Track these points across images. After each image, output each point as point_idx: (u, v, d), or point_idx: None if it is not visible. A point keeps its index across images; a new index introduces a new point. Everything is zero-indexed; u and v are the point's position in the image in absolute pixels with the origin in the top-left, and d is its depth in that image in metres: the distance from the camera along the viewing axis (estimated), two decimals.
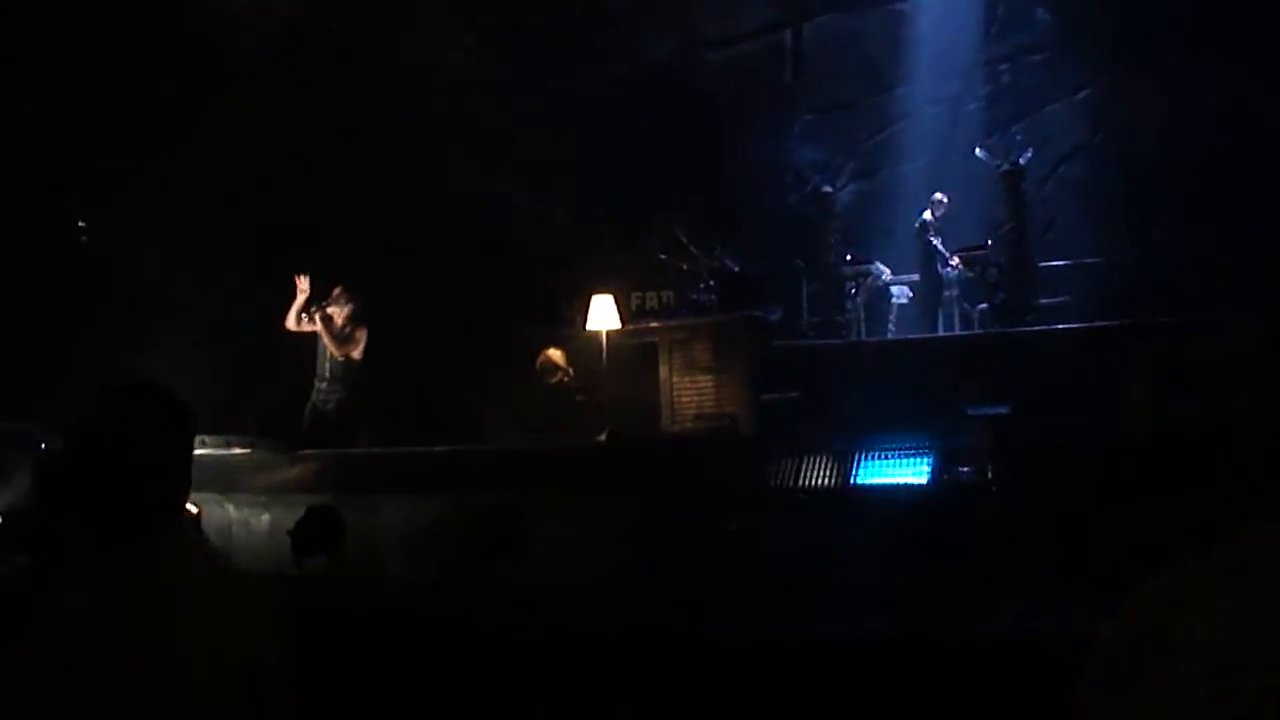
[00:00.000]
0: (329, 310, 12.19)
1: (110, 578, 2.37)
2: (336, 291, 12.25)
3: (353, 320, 12.26)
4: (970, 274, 14.45)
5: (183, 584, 2.34)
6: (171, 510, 2.52)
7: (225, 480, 10.15)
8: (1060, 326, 13.06)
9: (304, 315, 12.18)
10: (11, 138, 14.33)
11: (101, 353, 13.44)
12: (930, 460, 7.81)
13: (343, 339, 12.16)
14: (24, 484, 10.71)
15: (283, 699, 2.35)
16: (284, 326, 12.28)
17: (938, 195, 14.97)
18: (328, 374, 12.27)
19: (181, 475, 2.55)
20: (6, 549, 8.98)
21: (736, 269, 14.79)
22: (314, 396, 12.32)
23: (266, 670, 2.30)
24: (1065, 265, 14.92)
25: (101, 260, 15.09)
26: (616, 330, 12.73)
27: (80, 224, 15.37)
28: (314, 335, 12.24)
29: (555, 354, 12.37)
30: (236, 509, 9.96)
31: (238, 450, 11.01)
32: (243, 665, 2.25)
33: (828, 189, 16.66)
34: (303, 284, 12.21)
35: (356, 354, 12.24)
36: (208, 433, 10.92)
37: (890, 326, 15.07)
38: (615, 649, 5.19)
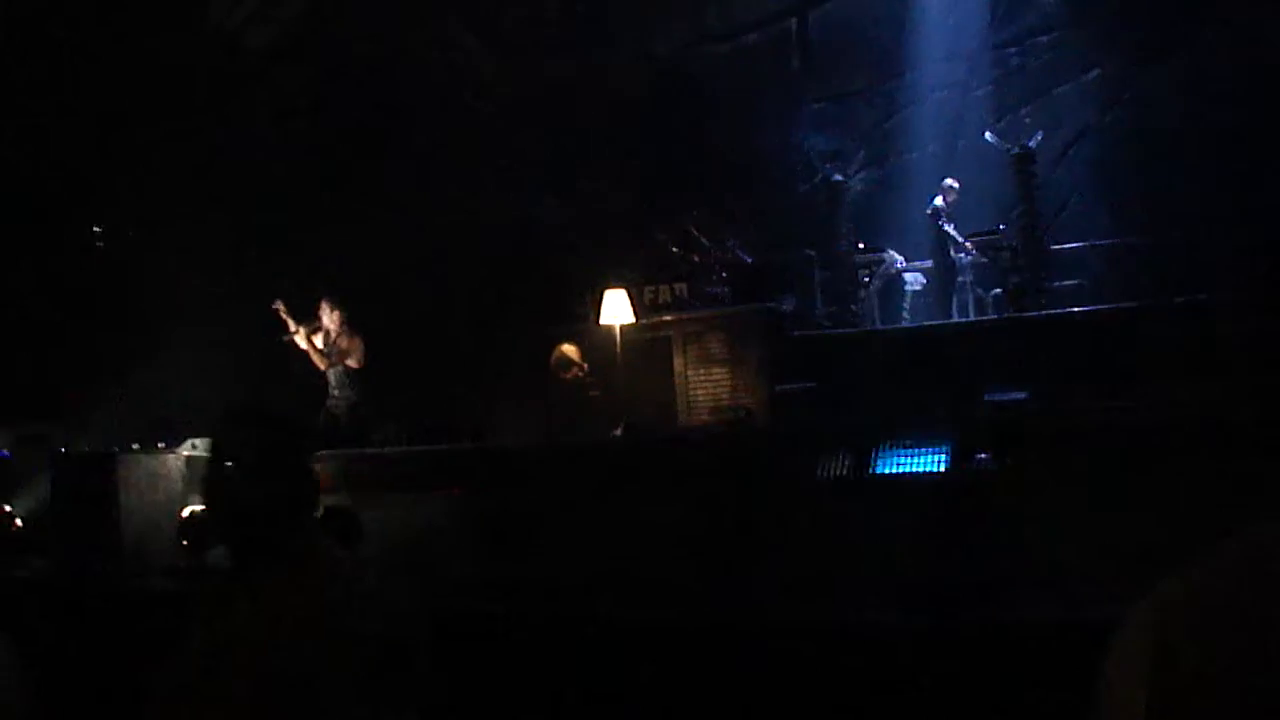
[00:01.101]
0: (322, 324, 12.34)
1: (262, 588, 2.57)
2: (322, 305, 12.36)
3: (345, 331, 12.37)
4: (983, 259, 14.38)
5: (320, 594, 2.51)
6: (305, 523, 2.73)
7: None
8: (1076, 309, 13.00)
9: (307, 344, 12.35)
10: (34, 146, 14.43)
11: (120, 358, 13.52)
12: (948, 449, 7.77)
13: (333, 353, 12.32)
14: (45, 487, 10.79)
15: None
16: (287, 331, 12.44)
17: (949, 181, 14.93)
18: (333, 382, 12.44)
19: (310, 489, 2.77)
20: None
21: (749, 260, 14.78)
22: (328, 402, 12.46)
23: (399, 674, 2.44)
24: (1079, 247, 14.85)
25: (118, 265, 15.18)
26: (630, 324, 12.73)
27: (95, 229, 15.45)
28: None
29: (569, 349, 12.37)
30: None
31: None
32: (371, 672, 2.40)
33: (838, 177, 16.59)
34: (281, 313, 12.37)
35: (353, 361, 12.35)
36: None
37: (905, 314, 15.01)
38: (636, 641, 5.19)
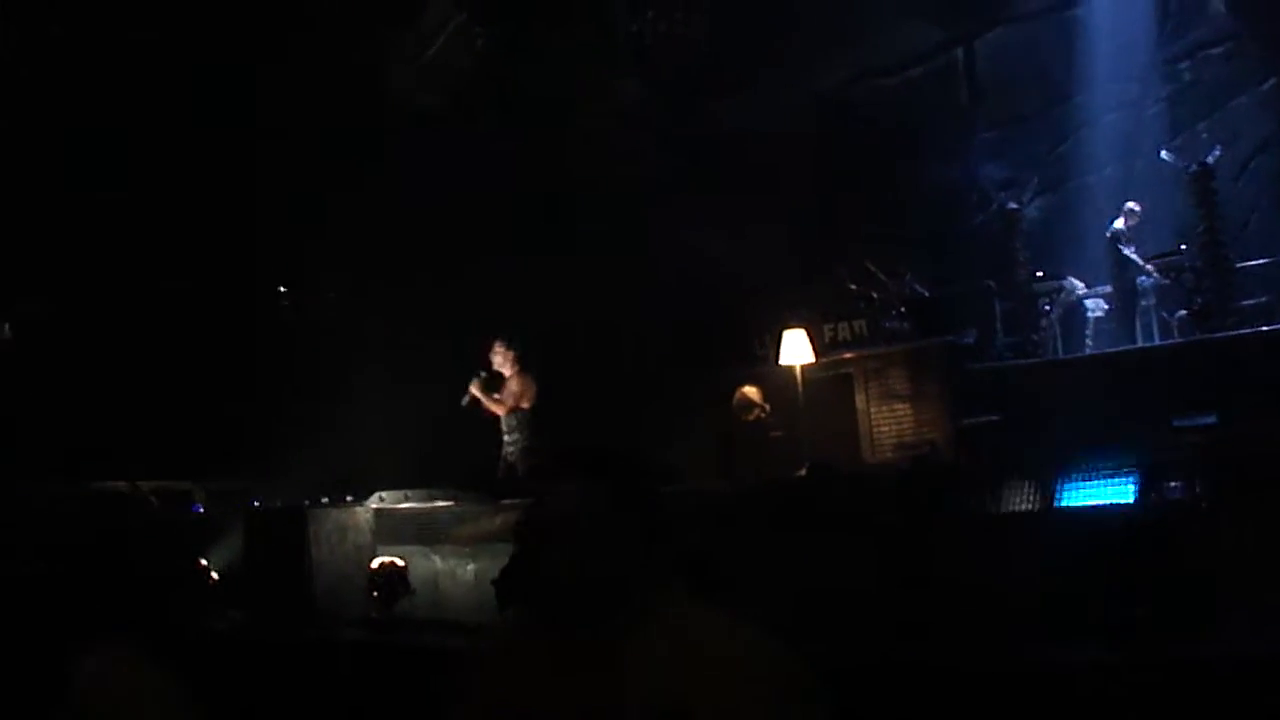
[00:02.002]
0: (497, 368, 12.36)
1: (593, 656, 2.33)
2: (495, 346, 12.38)
3: (517, 372, 12.37)
4: (1166, 280, 14.14)
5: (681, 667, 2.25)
6: (642, 590, 2.38)
7: (430, 532, 10.39)
8: (1265, 329, 12.70)
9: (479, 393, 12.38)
10: (229, 208, 15.05)
11: (307, 410, 13.94)
12: (1135, 479, 7.69)
13: (508, 396, 12.31)
14: (239, 542, 11.18)
15: None
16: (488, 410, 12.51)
17: (1130, 204, 14.72)
18: (504, 427, 12.43)
19: (642, 551, 2.41)
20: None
21: (927, 294, 14.75)
22: (504, 449, 12.48)
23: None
24: (1265, 264, 14.49)
25: (307, 325, 15.69)
26: (810, 363, 12.79)
27: (281, 289, 15.97)
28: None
29: (751, 391, 12.45)
30: (443, 560, 10.18)
31: (441, 503, 11.26)
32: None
33: (1013, 205, 16.46)
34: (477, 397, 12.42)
35: (526, 404, 12.34)
36: (411, 486, 11.26)
37: (1087, 341, 14.82)
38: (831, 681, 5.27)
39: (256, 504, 12.81)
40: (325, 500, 11.81)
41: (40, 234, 13.90)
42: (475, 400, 12.32)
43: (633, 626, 2.32)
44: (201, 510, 12.82)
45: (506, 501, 11.43)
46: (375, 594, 9.50)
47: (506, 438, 12.44)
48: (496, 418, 12.49)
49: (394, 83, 16.40)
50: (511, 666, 2.43)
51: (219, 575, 10.72)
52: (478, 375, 12.39)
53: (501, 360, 12.38)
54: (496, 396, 12.33)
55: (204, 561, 10.75)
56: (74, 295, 14.07)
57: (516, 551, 2.51)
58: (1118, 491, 7.67)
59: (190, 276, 14.72)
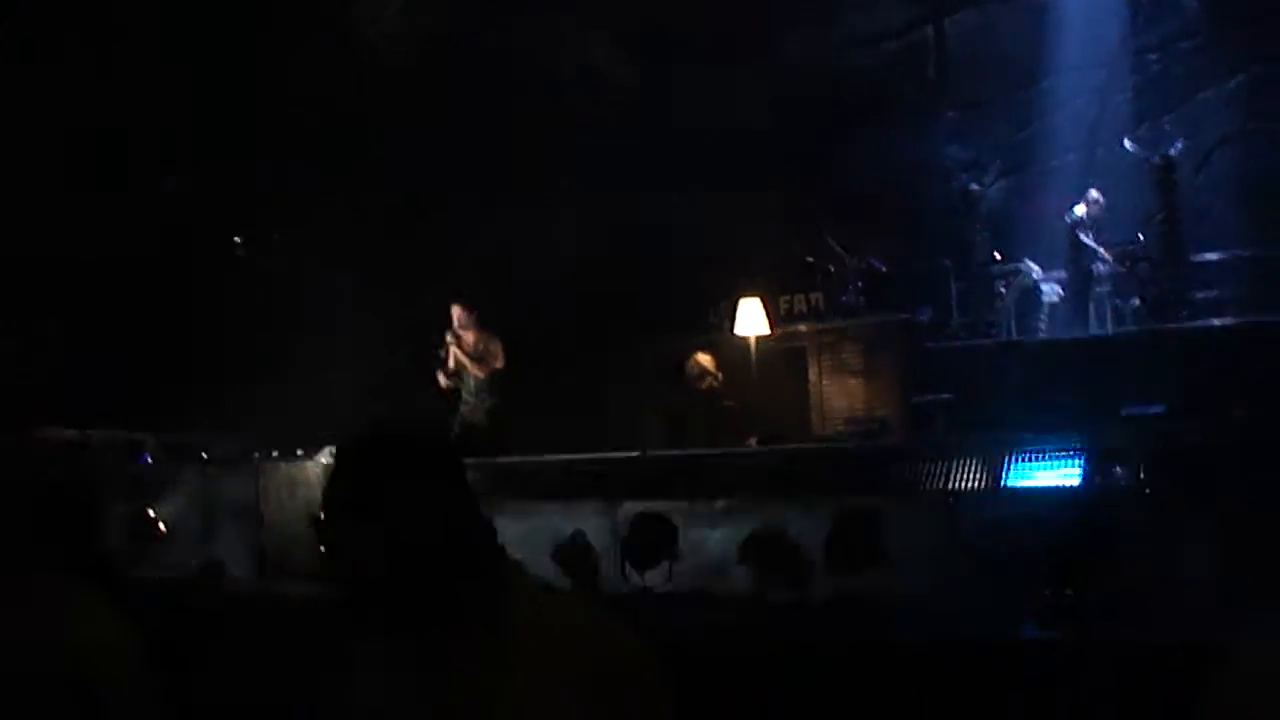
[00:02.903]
0: (459, 332, 12.28)
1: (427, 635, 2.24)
2: (456, 311, 12.30)
3: (483, 333, 12.33)
4: (1122, 269, 14.20)
5: (508, 639, 2.17)
6: (466, 557, 2.26)
7: None
8: (1217, 322, 12.80)
9: (446, 364, 12.31)
10: (179, 157, 14.87)
11: (261, 363, 13.82)
12: (1082, 462, 7.75)
13: (480, 357, 12.24)
14: (188, 493, 11.08)
15: None
16: (438, 387, 12.44)
17: (1093, 193, 14.69)
18: (472, 387, 12.38)
19: (463, 518, 2.29)
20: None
21: (884, 270, 14.76)
22: (462, 410, 12.43)
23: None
24: (1221, 258, 14.58)
25: (259, 273, 15.53)
26: (765, 334, 12.80)
27: (236, 239, 15.82)
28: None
29: (704, 359, 12.41)
30: None
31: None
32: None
33: (974, 186, 16.49)
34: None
35: (499, 363, 12.30)
36: None
37: (1041, 325, 14.84)
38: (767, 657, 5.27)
39: (206, 456, 12.71)
40: (275, 454, 11.73)
41: None
42: (457, 368, 12.29)
43: (459, 617, 2.22)
44: (150, 461, 12.69)
45: (468, 461, 11.39)
46: (323, 548, 9.39)
47: (471, 399, 12.40)
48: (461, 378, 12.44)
49: (361, 37, 16.22)
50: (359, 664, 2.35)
51: (166, 527, 10.65)
52: (446, 340, 12.29)
53: (464, 322, 12.29)
54: (471, 355, 12.25)
55: (151, 512, 10.66)
56: (25, 244, 13.84)
57: (321, 535, 2.26)
58: (1064, 474, 7.74)
59: (146, 226, 14.52)
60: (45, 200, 13.98)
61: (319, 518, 2.33)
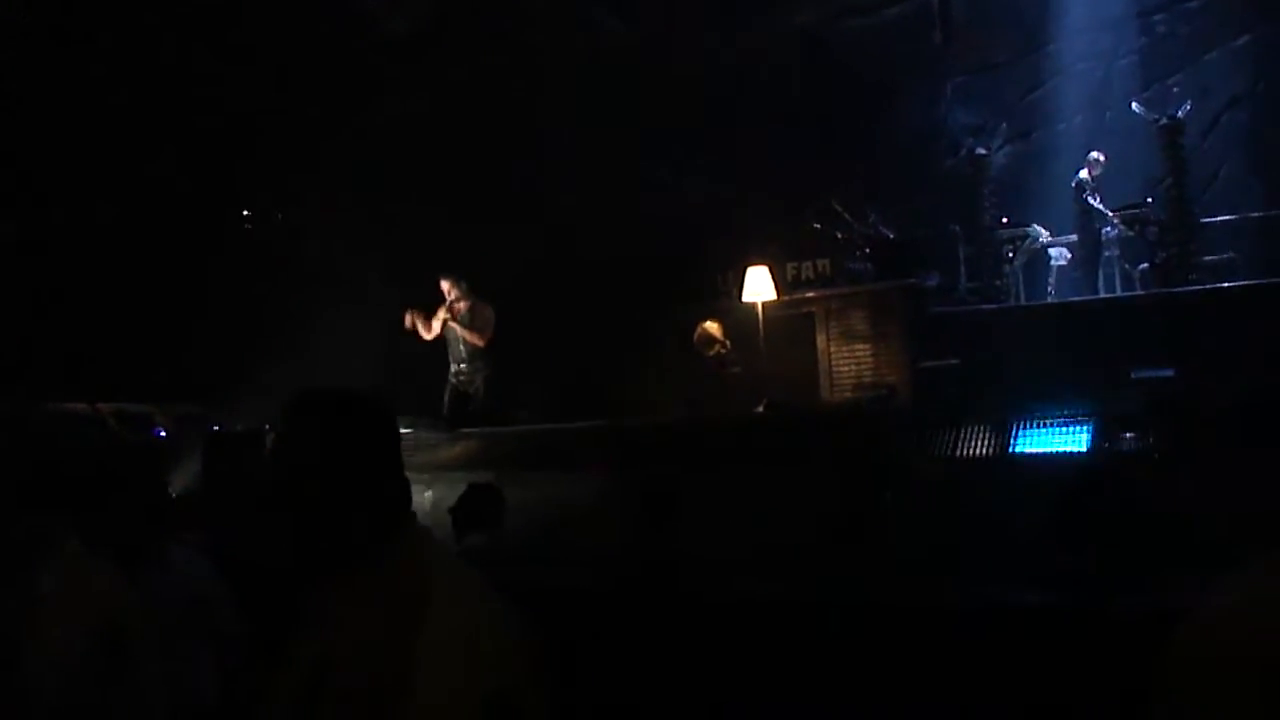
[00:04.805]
0: (454, 305, 12.31)
1: (344, 600, 2.32)
2: (445, 284, 12.33)
3: (474, 302, 12.36)
4: (1130, 233, 14.14)
5: (419, 612, 2.21)
6: (394, 523, 2.37)
7: None
8: (1226, 285, 12.73)
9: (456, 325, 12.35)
10: (184, 134, 14.85)
11: (268, 337, 13.84)
12: (1090, 427, 7.73)
13: (479, 327, 12.27)
14: (199, 466, 11.15)
15: None
16: (422, 339, 12.49)
17: (1094, 154, 14.68)
18: (464, 356, 12.42)
19: (393, 484, 2.40)
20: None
21: (892, 236, 14.71)
22: (453, 380, 12.48)
23: (511, 698, 2.19)
24: (1230, 220, 14.55)
25: (268, 250, 15.55)
26: (773, 301, 12.79)
27: (245, 213, 15.83)
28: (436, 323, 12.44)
29: (712, 326, 12.41)
30: None
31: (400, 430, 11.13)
32: (485, 693, 2.15)
33: (981, 151, 16.43)
34: (416, 324, 12.45)
35: (489, 331, 12.34)
36: None
37: (1049, 289, 14.82)
38: (778, 619, 5.28)
39: (217, 429, 12.76)
40: None
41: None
42: (442, 321, 12.32)
43: (360, 573, 2.31)
44: (164, 434, 12.74)
45: (466, 430, 11.44)
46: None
47: (464, 366, 12.44)
48: (443, 346, 12.51)
49: (364, 6, 16.16)
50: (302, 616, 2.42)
51: (177, 499, 10.70)
52: (448, 305, 12.33)
53: (457, 294, 12.32)
54: (470, 327, 12.26)
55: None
56: (35, 216, 13.86)
57: (268, 489, 2.37)
58: (1073, 439, 7.72)
59: (153, 199, 14.53)
60: (60, 170, 14.02)
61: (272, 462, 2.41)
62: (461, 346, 12.41)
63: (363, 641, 2.22)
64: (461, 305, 12.29)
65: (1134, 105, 15.20)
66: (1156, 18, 16.88)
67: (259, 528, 2.52)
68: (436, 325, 12.37)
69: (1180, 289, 12.95)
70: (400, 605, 2.24)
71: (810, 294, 13.74)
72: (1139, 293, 13.68)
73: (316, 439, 2.36)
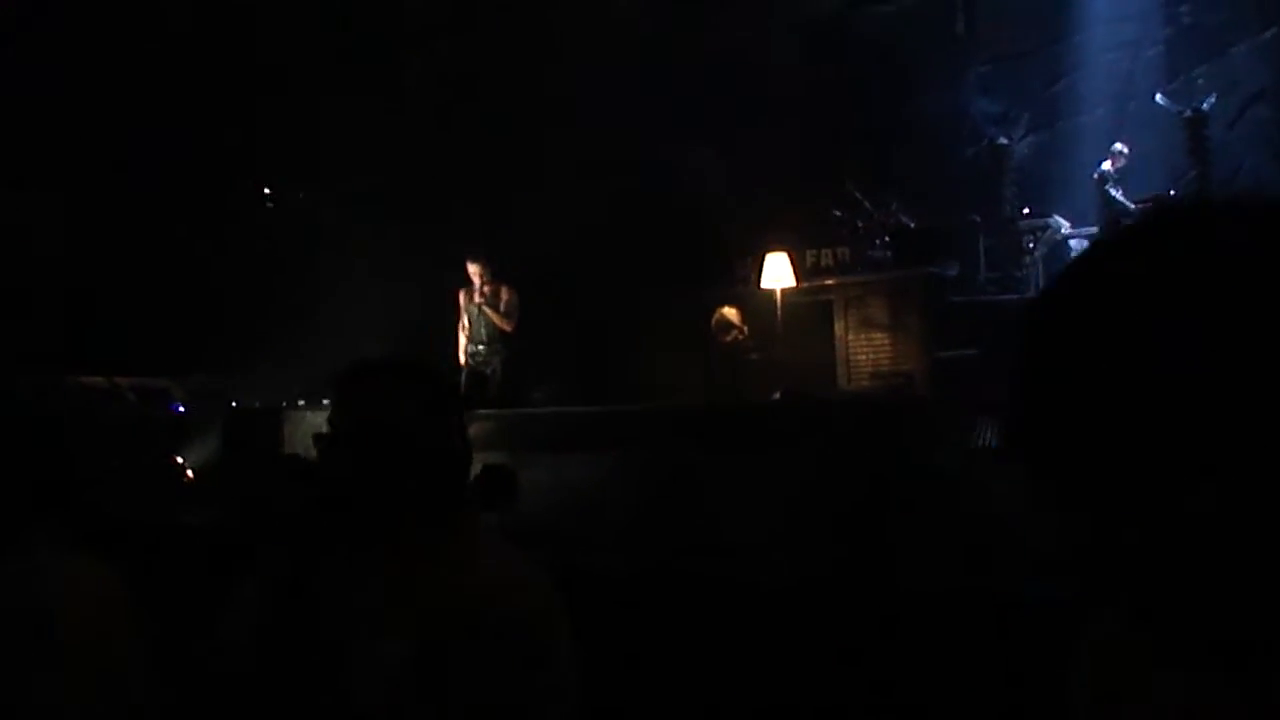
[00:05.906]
0: (482, 288, 12.19)
1: (392, 574, 2.31)
2: (474, 267, 12.22)
3: (501, 285, 12.27)
4: None
5: (470, 582, 2.23)
6: (453, 502, 2.39)
7: None
8: None
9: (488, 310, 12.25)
10: (204, 109, 14.87)
11: (287, 310, 13.87)
12: None
13: (507, 312, 12.20)
14: (217, 441, 11.21)
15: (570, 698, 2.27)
16: (458, 363, 12.41)
17: (1117, 145, 14.62)
18: (485, 337, 12.34)
19: (457, 463, 2.42)
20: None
21: (912, 224, 14.68)
22: (470, 361, 12.40)
23: (547, 667, 2.21)
24: None
25: (287, 226, 15.59)
26: (791, 288, 12.77)
27: (266, 190, 15.86)
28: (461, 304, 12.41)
29: (730, 312, 12.41)
30: None
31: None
32: (526, 658, 2.17)
33: (1004, 141, 16.39)
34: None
35: (518, 318, 12.30)
36: None
37: None
38: (788, 603, 5.29)
39: (235, 405, 12.82)
40: (301, 403, 11.80)
41: (14, 124, 13.69)
42: (476, 308, 12.26)
43: (418, 545, 2.32)
44: (182, 409, 12.79)
45: (482, 411, 11.46)
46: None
47: (482, 348, 12.37)
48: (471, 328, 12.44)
49: None
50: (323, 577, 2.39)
51: (194, 473, 10.75)
52: (476, 290, 12.25)
53: (483, 277, 12.23)
54: (498, 311, 12.20)
55: (180, 459, 10.77)
56: (53, 187, 13.89)
57: (321, 455, 2.38)
58: None
59: (173, 173, 14.56)
60: (78, 143, 14.06)
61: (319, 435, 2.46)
62: (484, 329, 12.34)
63: (424, 608, 2.23)
64: (489, 288, 12.24)
65: (1158, 97, 15.13)
66: (1182, 8, 16.74)
67: (286, 499, 2.50)
68: (484, 309, 12.26)
69: None
70: (456, 566, 2.27)
71: (829, 281, 13.69)
72: None
73: (392, 399, 2.39)
